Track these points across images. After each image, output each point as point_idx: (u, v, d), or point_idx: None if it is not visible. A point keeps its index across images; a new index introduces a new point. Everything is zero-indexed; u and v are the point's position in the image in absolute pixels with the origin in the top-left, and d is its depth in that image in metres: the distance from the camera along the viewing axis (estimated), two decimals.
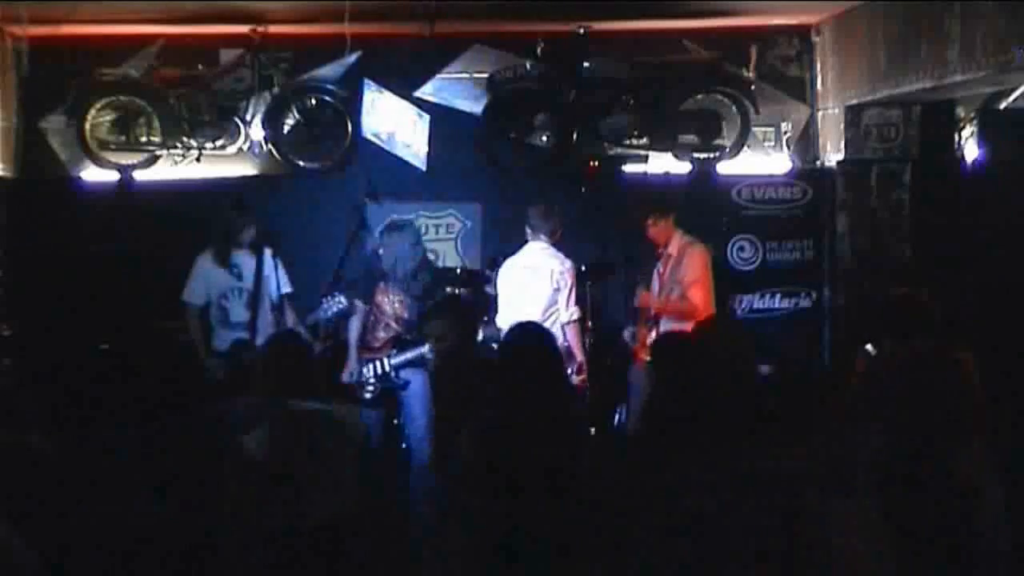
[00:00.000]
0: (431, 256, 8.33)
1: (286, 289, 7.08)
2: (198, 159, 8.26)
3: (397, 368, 6.82)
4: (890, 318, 5.04)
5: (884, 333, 5.06)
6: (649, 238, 7.06)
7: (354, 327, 6.91)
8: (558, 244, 7.04)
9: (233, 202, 7.22)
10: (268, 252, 7.08)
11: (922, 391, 4.76)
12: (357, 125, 8.24)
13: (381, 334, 6.91)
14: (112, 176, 8.22)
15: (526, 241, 7.06)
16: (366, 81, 8.39)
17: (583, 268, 7.46)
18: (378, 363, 6.85)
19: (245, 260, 7.01)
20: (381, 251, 6.87)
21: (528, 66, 8.21)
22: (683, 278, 6.84)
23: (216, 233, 7.11)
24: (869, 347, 5.12)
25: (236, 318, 6.97)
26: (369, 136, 8.39)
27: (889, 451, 4.76)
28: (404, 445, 6.89)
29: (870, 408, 4.92)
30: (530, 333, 4.59)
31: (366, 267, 7.01)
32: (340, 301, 6.82)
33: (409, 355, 6.79)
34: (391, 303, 6.91)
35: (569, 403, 4.34)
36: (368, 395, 6.84)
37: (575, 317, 6.92)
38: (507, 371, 4.26)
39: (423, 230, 8.42)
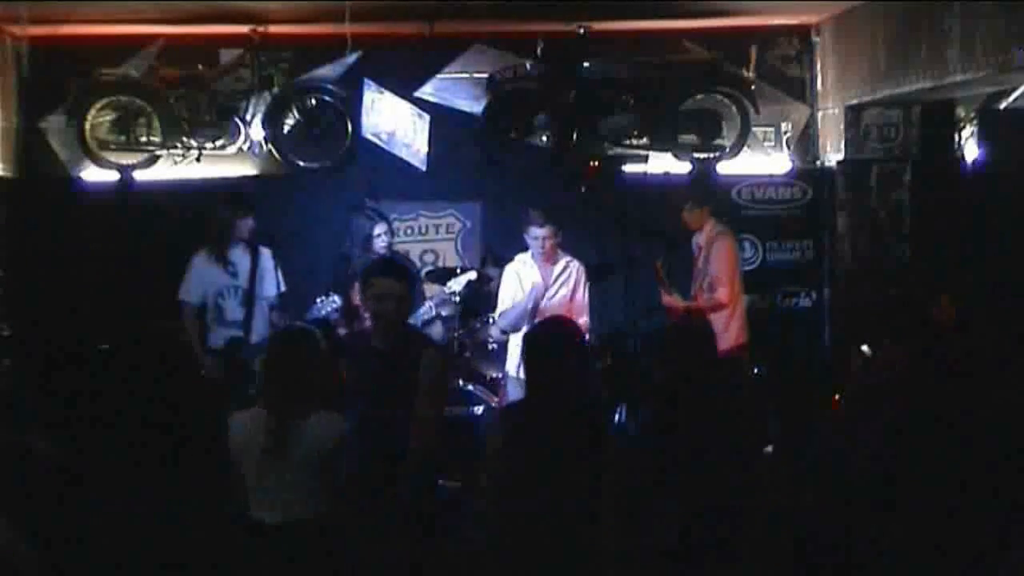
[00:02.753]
0: (431, 255, 8.39)
1: (281, 288, 7.11)
2: (198, 159, 8.26)
3: None
4: (886, 319, 5.04)
5: (880, 334, 5.05)
6: (683, 223, 7.20)
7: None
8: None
9: (229, 198, 7.23)
10: (267, 252, 7.10)
11: (914, 392, 4.74)
12: (357, 125, 8.24)
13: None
14: (112, 176, 8.22)
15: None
16: (366, 81, 8.39)
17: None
18: None
19: (241, 258, 7.02)
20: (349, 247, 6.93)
21: (528, 66, 8.21)
22: (711, 271, 6.99)
23: (212, 231, 7.12)
24: (864, 348, 5.12)
25: (231, 316, 6.98)
26: (369, 136, 8.39)
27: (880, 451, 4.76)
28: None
29: (863, 408, 4.91)
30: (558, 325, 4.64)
31: (339, 267, 7.06)
32: (334, 300, 6.84)
33: (421, 316, 6.80)
34: None
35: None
36: None
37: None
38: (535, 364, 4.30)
39: (423, 230, 8.44)
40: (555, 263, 6.95)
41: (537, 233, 6.81)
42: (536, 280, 6.88)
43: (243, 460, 4.18)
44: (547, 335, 4.41)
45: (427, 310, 6.83)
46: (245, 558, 4.15)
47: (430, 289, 7.53)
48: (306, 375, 4.26)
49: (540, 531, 3.97)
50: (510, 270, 7.00)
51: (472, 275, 7.02)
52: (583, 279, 7.00)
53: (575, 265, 7.00)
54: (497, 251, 7.68)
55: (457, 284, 6.93)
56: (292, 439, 4.15)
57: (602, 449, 4.05)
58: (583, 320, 6.94)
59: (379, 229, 6.90)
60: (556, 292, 6.94)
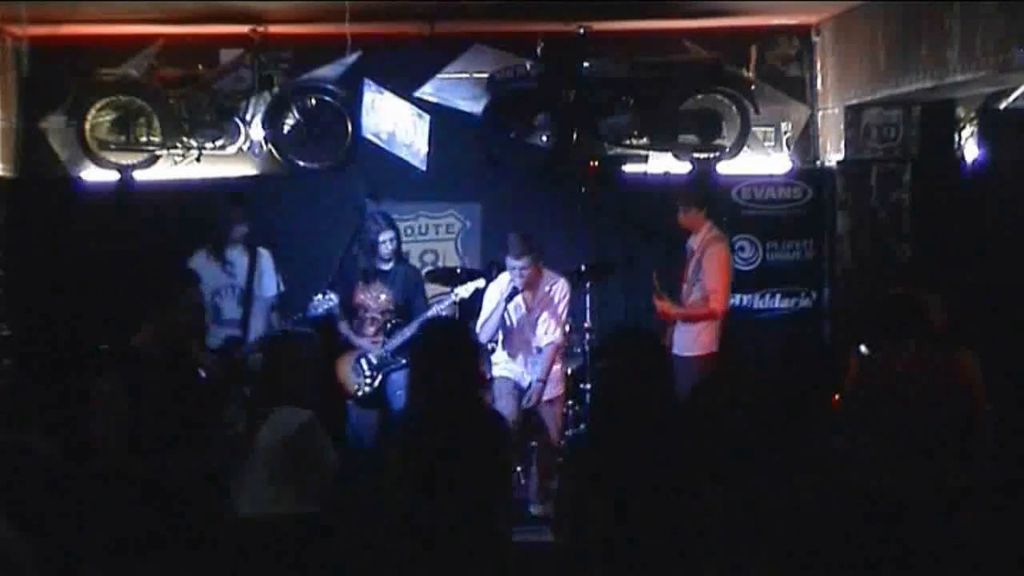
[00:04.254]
0: (431, 255, 8.39)
1: (280, 289, 7.13)
2: (198, 159, 8.26)
3: (394, 352, 6.85)
4: (885, 318, 5.00)
5: (879, 333, 5.02)
6: (679, 224, 7.14)
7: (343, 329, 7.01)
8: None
9: (227, 199, 7.23)
10: (266, 252, 7.12)
11: (913, 393, 4.72)
12: (357, 125, 8.23)
13: (371, 329, 6.95)
14: (112, 176, 8.22)
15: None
16: (366, 81, 8.39)
17: (582, 268, 7.48)
18: (371, 355, 6.87)
19: (238, 258, 7.04)
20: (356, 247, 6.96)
21: (528, 66, 8.21)
22: (704, 280, 6.90)
23: (210, 230, 7.13)
24: (863, 348, 5.09)
25: (228, 315, 7.03)
26: (369, 136, 8.38)
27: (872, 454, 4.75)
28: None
29: (860, 410, 4.89)
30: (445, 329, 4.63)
31: (345, 267, 7.08)
32: (331, 299, 6.86)
33: (408, 333, 6.81)
34: (375, 298, 6.95)
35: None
36: (367, 389, 6.85)
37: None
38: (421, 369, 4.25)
39: (423, 230, 8.44)
40: (536, 288, 6.92)
41: (515, 264, 6.76)
42: (518, 302, 6.89)
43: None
44: (432, 340, 4.33)
45: (433, 316, 6.84)
46: (229, 551, 4.20)
47: (429, 289, 7.55)
48: (277, 375, 4.33)
49: (435, 539, 3.92)
50: (494, 287, 7.00)
51: (480, 283, 7.04)
52: (566, 296, 6.96)
53: (558, 285, 6.96)
54: (502, 259, 7.69)
55: (465, 291, 6.95)
56: (258, 434, 4.27)
57: (499, 456, 4.02)
58: (553, 338, 6.92)
59: (385, 236, 6.93)
60: (539, 315, 6.93)
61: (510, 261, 6.77)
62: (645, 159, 8.45)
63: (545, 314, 6.92)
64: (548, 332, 6.93)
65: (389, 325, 6.92)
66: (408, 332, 6.85)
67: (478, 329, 6.88)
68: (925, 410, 4.68)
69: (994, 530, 4.75)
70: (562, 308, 6.94)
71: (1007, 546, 4.82)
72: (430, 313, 6.84)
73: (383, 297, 6.95)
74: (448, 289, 7.25)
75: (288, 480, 4.26)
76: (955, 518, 4.65)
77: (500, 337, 6.96)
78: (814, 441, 4.46)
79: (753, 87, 8.23)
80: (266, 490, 4.24)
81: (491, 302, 6.92)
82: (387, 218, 7.05)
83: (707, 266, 6.92)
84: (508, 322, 6.93)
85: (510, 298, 6.81)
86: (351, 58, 8.21)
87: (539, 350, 6.95)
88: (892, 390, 4.74)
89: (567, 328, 7.03)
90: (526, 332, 6.95)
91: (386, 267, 6.97)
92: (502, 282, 6.93)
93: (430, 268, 8.04)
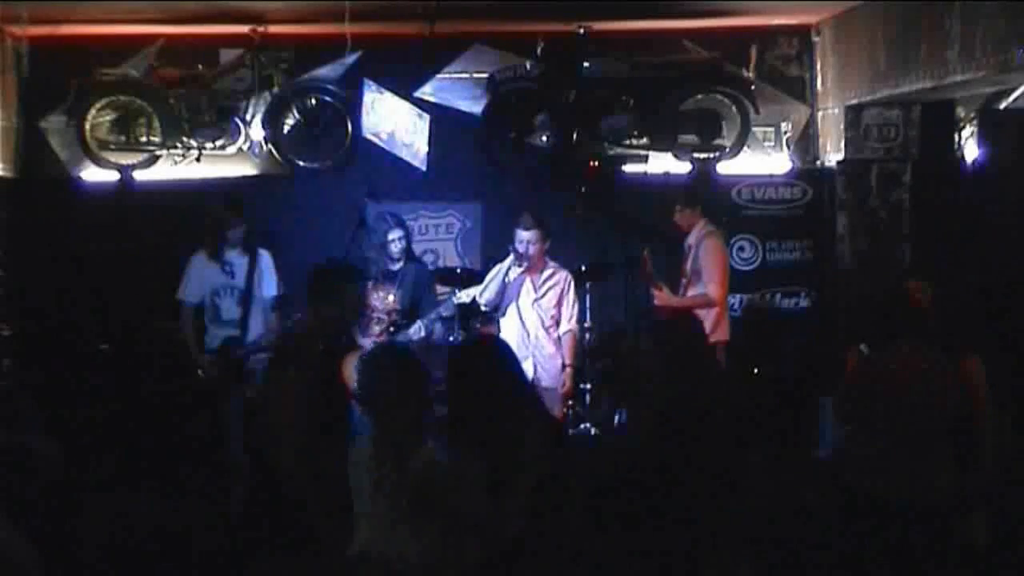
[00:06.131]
0: (431, 255, 8.40)
1: (280, 290, 7.15)
2: (198, 159, 8.27)
3: None
4: (883, 316, 4.99)
5: (877, 332, 5.01)
6: (675, 225, 7.13)
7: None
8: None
9: (225, 200, 7.24)
10: (266, 253, 7.12)
11: (910, 394, 4.71)
12: (357, 125, 8.24)
13: (376, 329, 6.95)
14: (112, 176, 8.23)
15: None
16: (366, 81, 8.39)
17: (582, 268, 7.47)
18: None
19: (238, 258, 7.04)
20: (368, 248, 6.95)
21: (528, 66, 8.22)
22: (701, 272, 6.91)
23: (208, 230, 7.13)
24: (862, 347, 5.08)
25: (227, 316, 7.01)
26: (369, 136, 8.39)
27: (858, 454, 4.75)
28: None
29: (857, 409, 4.89)
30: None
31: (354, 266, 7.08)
32: None
33: (410, 334, 6.81)
34: (381, 299, 6.95)
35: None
36: None
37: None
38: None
39: (423, 230, 8.44)
40: (541, 271, 6.92)
41: (522, 236, 6.78)
42: (527, 287, 6.89)
43: None
44: (472, 358, 4.08)
45: (435, 317, 6.84)
46: None
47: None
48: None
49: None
50: (497, 267, 7.00)
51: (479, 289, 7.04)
52: (570, 287, 6.96)
53: (562, 274, 6.97)
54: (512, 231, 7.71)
55: (467, 296, 6.95)
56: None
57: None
58: (570, 326, 6.93)
59: (394, 235, 6.94)
60: (542, 297, 6.93)
61: (520, 233, 6.78)
62: (645, 159, 8.45)
63: (554, 297, 6.90)
64: (567, 320, 6.93)
65: (392, 328, 6.91)
66: (411, 333, 6.85)
67: (479, 296, 6.92)
68: (921, 411, 4.67)
69: (996, 532, 4.75)
70: (572, 294, 6.94)
71: (1008, 548, 4.81)
72: (432, 315, 6.83)
73: (390, 298, 6.95)
74: (449, 290, 7.24)
75: (406, 520, 3.77)
76: (951, 519, 4.64)
77: (517, 339, 6.90)
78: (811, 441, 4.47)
79: (753, 87, 8.24)
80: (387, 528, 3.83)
81: (493, 270, 6.94)
82: (396, 217, 7.06)
83: (703, 257, 6.93)
84: (521, 319, 6.88)
85: (513, 267, 6.82)
86: (351, 58, 8.22)
87: (555, 342, 6.94)
88: (888, 390, 4.73)
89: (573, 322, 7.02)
90: (534, 318, 6.90)
91: (395, 267, 6.97)
92: (506, 262, 6.93)
93: (432, 268, 8.04)
